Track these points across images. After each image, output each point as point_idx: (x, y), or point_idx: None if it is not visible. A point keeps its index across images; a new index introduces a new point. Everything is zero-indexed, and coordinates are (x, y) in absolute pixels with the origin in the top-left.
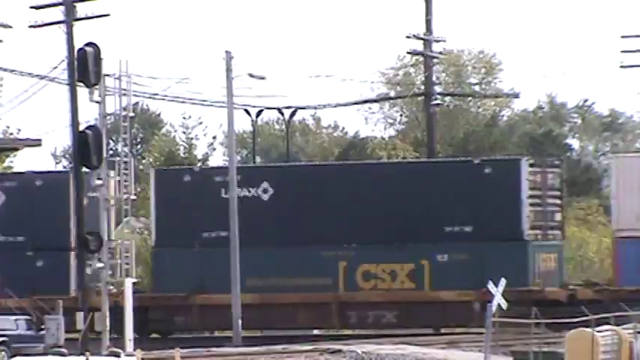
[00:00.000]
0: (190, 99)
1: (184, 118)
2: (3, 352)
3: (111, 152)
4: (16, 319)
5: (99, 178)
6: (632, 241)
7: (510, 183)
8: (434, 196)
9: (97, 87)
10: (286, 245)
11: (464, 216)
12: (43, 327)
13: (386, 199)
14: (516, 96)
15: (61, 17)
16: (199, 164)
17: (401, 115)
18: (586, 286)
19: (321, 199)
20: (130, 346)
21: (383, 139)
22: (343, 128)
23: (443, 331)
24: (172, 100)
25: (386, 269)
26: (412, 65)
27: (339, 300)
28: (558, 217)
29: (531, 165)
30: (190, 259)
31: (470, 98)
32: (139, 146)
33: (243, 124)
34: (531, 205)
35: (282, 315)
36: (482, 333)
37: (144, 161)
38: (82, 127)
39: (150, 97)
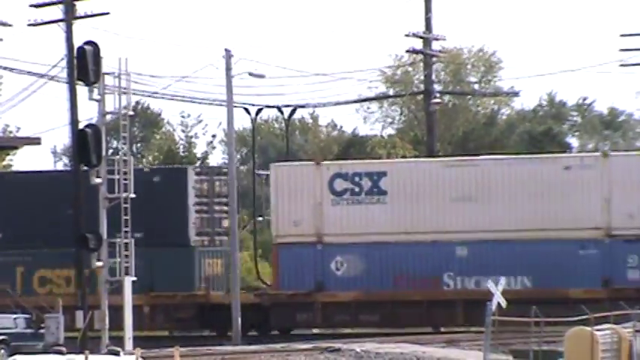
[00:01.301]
0: (190, 97)
1: (183, 116)
2: (2, 351)
3: (110, 151)
4: (15, 318)
5: (98, 177)
6: (287, 246)
7: (177, 191)
8: None
9: (96, 85)
10: None
11: (134, 223)
12: (42, 325)
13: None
14: (516, 94)
15: (61, 16)
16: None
17: (400, 114)
18: (247, 290)
19: None
20: (129, 344)
21: (382, 137)
22: (341, 127)
23: (442, 330)
24: (172, 99)
25: (60, 275)
26: (411, 64)
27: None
28: (225, 223)
29: (198, 173)
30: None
31: (469, 97)
32: (138, 144)
33: (242, 122)
34: (198, 212)
35: None
36: (481, 332)
37: (143, 160)
38: (81, 126)
39: (149, 96)
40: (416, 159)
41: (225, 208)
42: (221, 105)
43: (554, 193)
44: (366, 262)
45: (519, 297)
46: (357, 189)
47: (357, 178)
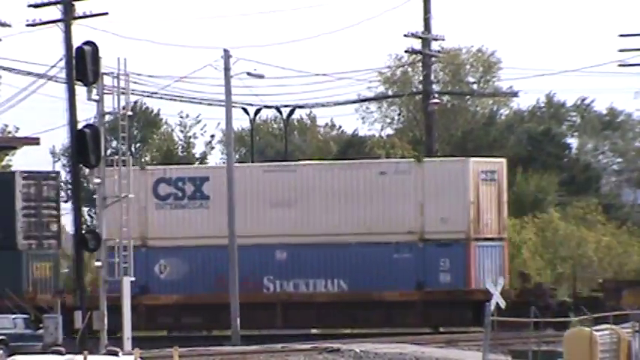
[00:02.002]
0: (189, 98)
1: (182, 117)
2: (1, 351)
3: (109, 151)
4: (14, 318)
5: (97, 177)
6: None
7: (4, 195)
8: None
9: (95, 85)
10: None
11: None
12: (41, 326)
13: None
14: (515, 94)
15: (60, 16)
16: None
17: (399, 114)
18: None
19: None
20: (128, 344)
21: (381, 137)
22: (340, 127)
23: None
24: (171, 99)
25: None
26: (410, 64)
27: None
28: (54, 227)
29: (25, 178)
30: None
31: (468, 97)
32: (137, 145)
33: (241, 122)
34: (25, 216)
35: None
36: (481, 332)
37: (142, 160)
38: (80, 126)
39: (148, 96)
40: (239, 164)
41: (55, 212)
42: (220, 105)
43: (370, 198)
44: (189, 266)
45: (337, 300)
46: (180, 194)
47: (180, 183)
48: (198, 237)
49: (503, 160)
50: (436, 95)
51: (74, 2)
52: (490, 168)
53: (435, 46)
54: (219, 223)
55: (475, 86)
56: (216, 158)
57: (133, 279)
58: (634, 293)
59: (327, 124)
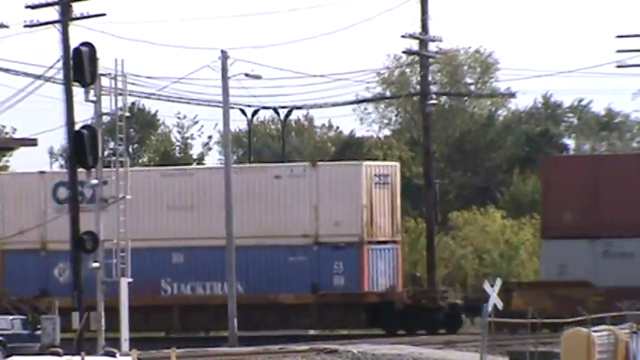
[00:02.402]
0: (186, 99)
1: (179, 118)
2: None
3: (107, 152)
4: (12, 319)
5: (95, 178)
6: (13, 253)
7: None
8: None
9: (92, 86)
10: None
11: None
12: (39, 327)
13: None
14: (512, 95)
15: (57, 17)
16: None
17: (396, 115)
18: None
19: None
20: (125, 345)
21: (379, 138)
22: (337, 128)
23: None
24: (168, 100)
25: None
26: (408, 65)
27: None
28: None
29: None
30: None
31: (466, 98)
32: (135, 146)
33: (239, 123)
34: None
35: None
36: (478, 333)
37: (140, 161)
38: (77, 127)
39: (146, 97)
40: (135, 168)
41: None
42: (217, 106)
43: (266, 202)
44: (86, 269)
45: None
46: (79, 197)
47: (80, 187)
48: None
49: (397, 164)
50: (433, 96)
51: (72, 3)
52: (383, 172)
53: (432, 47)
54: (115, 226)
55: (473, 87)
56: (213, 159)
57: (130, 280)
58: (523, 295)
59: (323, 125)
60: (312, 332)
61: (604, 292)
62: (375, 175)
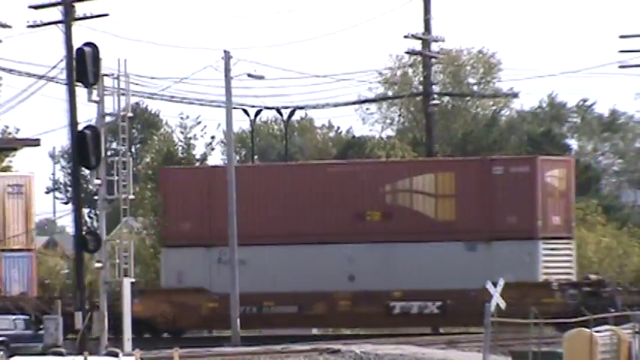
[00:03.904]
0: (189, 99)
1: (182, 118)
2: (1, 352)
3: (110, 152)
4: (14, 319)
5: (97, 178)
6: None
7: None
8: None
9: (95, 87)
10: None
11: None
12: (41, 327)
13: None
14: (515, 96)
15: (60, 17)
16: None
17: (399, 116)
18: None
19: None
20: (128, 346)
21: (382, 138)
22: (338, 128)
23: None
24: (171, 100)
25: None
26: (410, 65)
27: None
28: None
29: None
30: None
31: (468, 98)
32: (137, 146)
33: (241, 123)
34: None
35: None
36: (481, 333)
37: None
38: (80, 127)
39: (149, 97)
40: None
41: None
42: (220, 106)
43: None
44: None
45: None
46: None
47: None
48: None
49: (32, 175)
50: (436, 96)
51: (75, 3)
52: (17, 182)
53: (435, 47)
54: None
55: (475, 87)
56: (216, 160)
57: (133, 280)
58: (144, 301)
59: (323, 125)
60: (315, 332)
61: (218, 298)
62: (9, 185)
